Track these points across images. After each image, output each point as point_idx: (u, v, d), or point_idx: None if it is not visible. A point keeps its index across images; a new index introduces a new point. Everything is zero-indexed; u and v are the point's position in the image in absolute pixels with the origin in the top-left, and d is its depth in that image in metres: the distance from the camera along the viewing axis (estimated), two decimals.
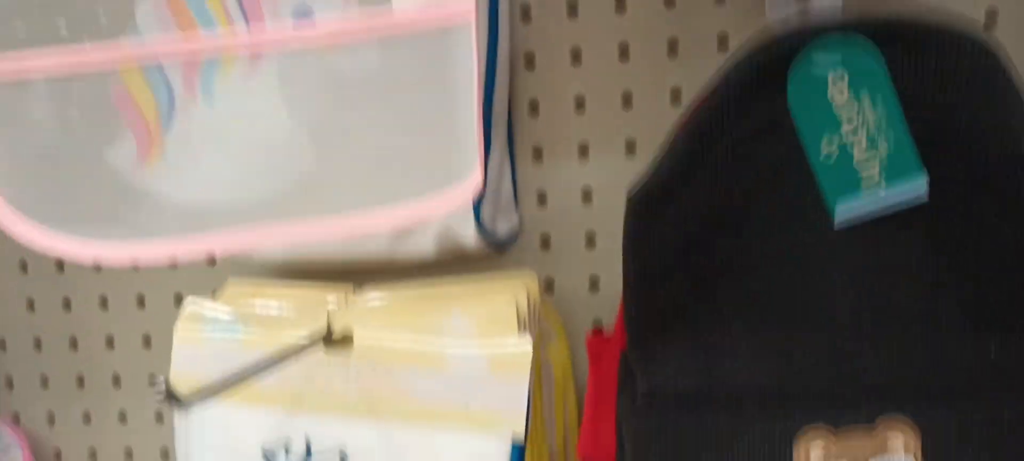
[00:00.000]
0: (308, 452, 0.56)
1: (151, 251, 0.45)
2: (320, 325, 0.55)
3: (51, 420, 0.72)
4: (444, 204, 0.44)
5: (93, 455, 0.72)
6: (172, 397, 0.39)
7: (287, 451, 0.56)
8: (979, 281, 0.40)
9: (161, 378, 0.39)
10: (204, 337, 0.56)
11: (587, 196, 0.61)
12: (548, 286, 0.63)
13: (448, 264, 0.62)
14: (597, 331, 0.53)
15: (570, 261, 0.62)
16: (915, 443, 0.40)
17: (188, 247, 0.45)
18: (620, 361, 0.45)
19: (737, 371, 0.40)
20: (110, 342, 0.70)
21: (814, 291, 0.40)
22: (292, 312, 0.58)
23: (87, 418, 0.72)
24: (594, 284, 0.62)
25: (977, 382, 0.40)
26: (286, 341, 0.53)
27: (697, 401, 0.41)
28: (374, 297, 0.58)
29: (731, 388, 0.40)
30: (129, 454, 0.72)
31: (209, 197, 0.46)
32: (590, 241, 0.61)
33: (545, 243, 0.62)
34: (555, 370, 0.61)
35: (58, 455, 0.73)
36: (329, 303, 0.58)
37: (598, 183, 0.60)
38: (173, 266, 0.67)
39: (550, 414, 0.61)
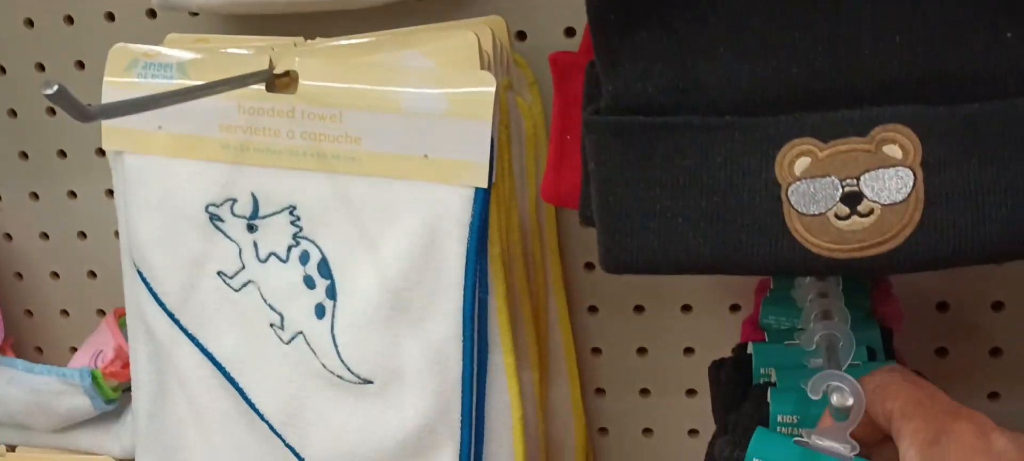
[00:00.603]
0: (255, 208, 0.51)
1: None
2: (261, 65, 0.50)
3: None
4: None
5: (44, 236, 0.68)
6: (67, 101, 0.34)
7: (233, 208, 0.52)
8: None
9: (55, 82, 0.34)
10: (136, 82, 0.51)
11: None
12: (520, 37, 0.57)
13: (408, 13, 0.56)
14: None
15: (543, 4, 0.56)
16: (915, 151, 0.35)
17: None
18: (586, 74, 0.39)
19: (715, 70, 0.35)
20: (51, 111, 0.65)
21: None
22: (234, 59, 0.52)
23: (34, 196, 0.67)
24: (570, 33, 0.56)
25: (988, 81, 0.35)
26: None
27: (669, 106, 0.36)
28: (323, 42, 0.53)
29: (707, 90, 0.35)
30: (82, 235, 0.68)
31: None
32: None
33: None
34: (526, 125, 0.56)
35: (8, 237, 0.69)
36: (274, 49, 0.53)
37: None
38: (111, 20, 0.61)
39: (521, 175, 0.57)
